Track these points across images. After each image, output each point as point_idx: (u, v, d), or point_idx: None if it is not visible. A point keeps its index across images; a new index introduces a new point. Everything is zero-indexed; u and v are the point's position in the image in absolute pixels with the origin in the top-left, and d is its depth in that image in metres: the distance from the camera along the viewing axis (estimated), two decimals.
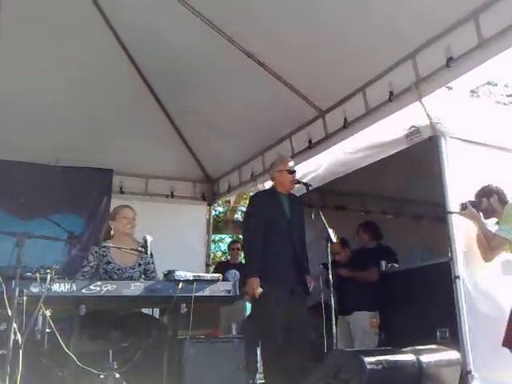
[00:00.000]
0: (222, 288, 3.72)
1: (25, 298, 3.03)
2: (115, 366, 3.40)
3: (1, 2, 4.95)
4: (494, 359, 3.75)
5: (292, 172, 4.59)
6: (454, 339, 3.86)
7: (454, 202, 4.16)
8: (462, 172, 4.28)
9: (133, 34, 5.58)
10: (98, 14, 5.39)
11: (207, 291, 3.65)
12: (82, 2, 5.23)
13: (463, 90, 4.37)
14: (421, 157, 4.78)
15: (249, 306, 5.98)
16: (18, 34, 5.24)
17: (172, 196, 7.14)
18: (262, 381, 4.50)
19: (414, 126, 4.52)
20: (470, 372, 3.62)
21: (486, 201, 4.14)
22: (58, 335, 3.14)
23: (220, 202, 9.55)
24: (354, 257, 5.56)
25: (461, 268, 3.94)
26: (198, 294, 3.57)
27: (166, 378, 3.44)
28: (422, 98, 4.22)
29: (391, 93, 4.40)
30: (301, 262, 4.41)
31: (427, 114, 4.31)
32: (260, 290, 4.12)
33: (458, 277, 3.90)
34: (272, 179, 4.76)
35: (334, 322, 3.83)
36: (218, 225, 10.32)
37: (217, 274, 3.84)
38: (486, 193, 4.16)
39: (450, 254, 4.04)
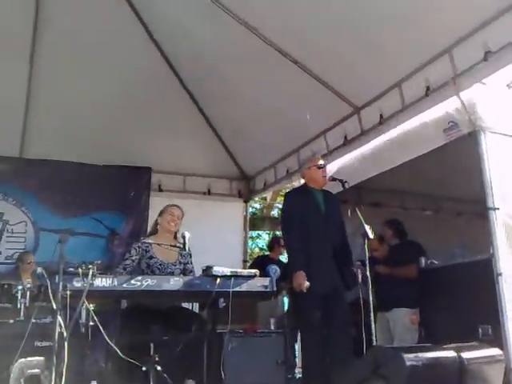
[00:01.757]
0: (259, 284, 3.74)
1: (68, 293, 3.11)
2: (156, 359, 3.48)
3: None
4: None
5: (321, 167, 4.58)
6: (496, 336, 3.78)
7: (494, 197, 4.08)
8: (503, 167, 4.19)
9: (170, 36, 5.69)
10: (136, 20, 5.56)
11: (244, 287, 3.67)
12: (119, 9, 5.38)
13: (499, 83, 4.28)
14: (459, 152, 4.70)
15: (286, 301, 6.00)
16: (58, 37, 5.45)
17: (209, 193, 7.23)
18: (301, 375, 4.51)
19: (452, 122, 4.44)
20: None
21: None
22: (101, 328, 3.21)
23: (256, 198, 9.61)
24: (391, 253, 5.50)
25: (503, 265, 3.86)
26: (235, 289, 3.61)
27: (205, 370, 3.48)
28: (460, 92, 4.16)
29: (428, 88, 4.35)
30: (340, 257, 4.39)
31: (466, 109, 4.23)
32: (307, 283, 4.12)
33: (501, 274, 3.81)
34: (303, 178, 4.77)
35: (372, 319, 3.81)
36: (254, 221, 10.37)
37: (254, 270, 3.87)
38: None
39: (491, 251, 3.97)
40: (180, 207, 4.31)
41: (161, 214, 4.26)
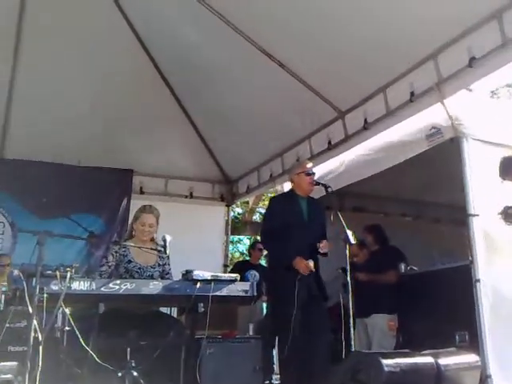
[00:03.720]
0: (239, 288, 3.70)
1: (45, 296, 3.04)
2: (133, 365, 3.41)
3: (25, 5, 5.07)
4: None
5: (309, 174, 4.57)
6: (473, 343, 3.80)
7: (475, 204, 4.10)
8: (483, 174, 4.22)
9: (154, 35, 5.64)
10: (119, 16, 5.47)
11: (225, 291, 3.63)
12: (104, 5, 5.30)
13: (484, 91, 4.31)
14: (440, 158, 4.73)
15: (265, 306, 5.98)
16: (41, 35, 5.36)
17: (191, 196, 7.20)
18: (279, 382, 4.48)
19: (435, 127, 4.47)
20: (489, 376, 3.56)
21: None
22: (77, 333, 3.15)
23: (238, 203, 9.58)
24: (372, 259, 5.51)
25: (481, 271, 3.88)
26: (215, 293, 3.56)
27: (183, 377, 3.44)
28: (444, 98, 4.18)
29: (412, 93, 4.37)
30: (318, 265, 4.38)
31: (449, 115, 4.26)
32: (312, 262, 4.16)
33: (479, 280, 3.84)
34: (291, 182, 4.76)
35: (351, 324, 3.81)
36: (236, 226, 10.34)
37: (234, 274, 3.83)
38: None
39: (470, 257, 3.99)
40: (153, 210, 4.14)
41: (135, 219, 4.14)
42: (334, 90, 5.13)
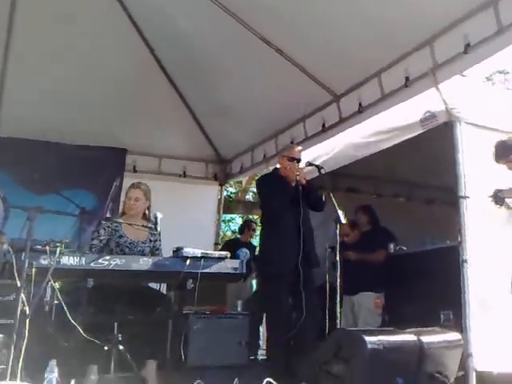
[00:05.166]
0: (229, 265, 3.75)
1: (34, 270, 3.07)
2: (119, 339, 3.45)
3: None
4: (496, 343, 3.75)
5: (292, 160, 4.55)
6: (457, 322, 3.85)
7: (466, 186, 4.12)
8: (476, 157, 4.24)
9: (147, 15, 5.57)
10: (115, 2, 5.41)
11: (214, 268, 3.67)
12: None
13: (478, 76, 4.31)
14: (434, 141, 4.73)
15: (255, 283, 6.04)
16: (34, 17, 5.31)
17: (184, 176, 7.18)
18: (264, 357, 4.53)
19: (429, 111, 4.46)
20: (471, 355, 3.61)
21: None
22: (64, 307, 3.18)
23: (232, 182, 9.57)
24: (362, 239, 5.54)
25: (469, 252, 3.91)
26: (204, 270, 3.59)
27: (169, 351, 3.47)
28: (439, 84, 4.17)
29: (407, 78, 4.35)
30: (307, 240, 4.40)
31: (443, 100, 4.25)
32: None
33: (466, 260, 3.87)
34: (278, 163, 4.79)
35: (337, 302, 3.84)
36: (228, 205, 10.34)
37: (224, 252, 3.86)
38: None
39: (459, 238, 4.02)
40: (140, 185, 4.14)
41: (125, 196, 4.18)
42: (330, 73, 5.10)
